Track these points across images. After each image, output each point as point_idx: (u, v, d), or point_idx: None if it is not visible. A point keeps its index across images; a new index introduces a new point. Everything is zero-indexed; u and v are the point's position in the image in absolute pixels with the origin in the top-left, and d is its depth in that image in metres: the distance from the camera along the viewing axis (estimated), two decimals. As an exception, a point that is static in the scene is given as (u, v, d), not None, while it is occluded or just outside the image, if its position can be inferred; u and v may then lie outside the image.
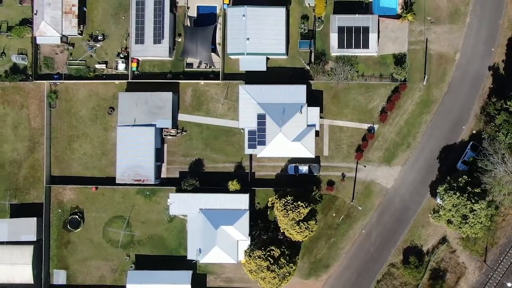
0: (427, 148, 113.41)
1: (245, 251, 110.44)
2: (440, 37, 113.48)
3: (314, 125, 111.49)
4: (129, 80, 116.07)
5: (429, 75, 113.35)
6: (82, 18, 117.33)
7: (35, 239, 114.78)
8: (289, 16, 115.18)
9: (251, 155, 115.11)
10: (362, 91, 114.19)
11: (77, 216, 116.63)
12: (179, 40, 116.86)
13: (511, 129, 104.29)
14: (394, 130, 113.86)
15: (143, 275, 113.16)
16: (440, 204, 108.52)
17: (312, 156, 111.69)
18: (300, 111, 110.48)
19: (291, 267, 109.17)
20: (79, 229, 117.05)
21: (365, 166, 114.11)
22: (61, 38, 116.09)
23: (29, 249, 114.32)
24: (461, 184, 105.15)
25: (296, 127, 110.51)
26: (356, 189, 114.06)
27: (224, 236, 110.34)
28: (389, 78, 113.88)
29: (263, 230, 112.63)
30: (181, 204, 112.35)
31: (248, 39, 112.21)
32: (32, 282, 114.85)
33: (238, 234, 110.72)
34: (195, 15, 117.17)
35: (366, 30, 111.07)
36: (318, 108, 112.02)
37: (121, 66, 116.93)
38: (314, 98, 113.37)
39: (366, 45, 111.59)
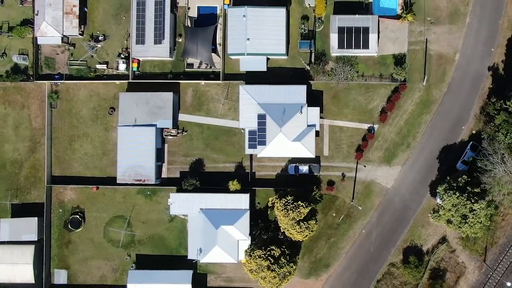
0: (427, 148, 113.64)
1: (246, 251, 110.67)
2: (440, 38, 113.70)
3: (314, 125, 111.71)
4: (130, 80, 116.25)
5: (429, 76, 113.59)
6: (83, 19, 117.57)
7: (36, 239, 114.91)
8: (289, 17, 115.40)
9: (251, 155, 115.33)
10: (362, 91, 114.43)
11: (78, 216, 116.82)
12: (180, 40, 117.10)
13: (511, 129, 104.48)
14: (394, 130, 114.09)
15: (143, 274, 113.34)
16: (440, 204, 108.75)
17: (312, 156, 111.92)
18: (300, 111, 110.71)
19: (292, 267, 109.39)
20: (80, 229, 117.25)
21: (365, 166, 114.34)
22: (62, 38, 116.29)
23: (30, 249, 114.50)
24: (460, 184, 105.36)
25: (296, 127, 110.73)
26: (356, 189, 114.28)
27: (224, 236, 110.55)
28: (389, 78, 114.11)
29: (263, 230, 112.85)
30: (182, 204, 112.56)
31: (248, 39, 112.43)
32: (33, 282, 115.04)
33: (239, 234, 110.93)
34: (196, 16, 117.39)
35: (366, 30, 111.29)
36: (318, 108, 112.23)
37: (122, 67, 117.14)
38: (314, 98, 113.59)
39: (366, 46, 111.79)
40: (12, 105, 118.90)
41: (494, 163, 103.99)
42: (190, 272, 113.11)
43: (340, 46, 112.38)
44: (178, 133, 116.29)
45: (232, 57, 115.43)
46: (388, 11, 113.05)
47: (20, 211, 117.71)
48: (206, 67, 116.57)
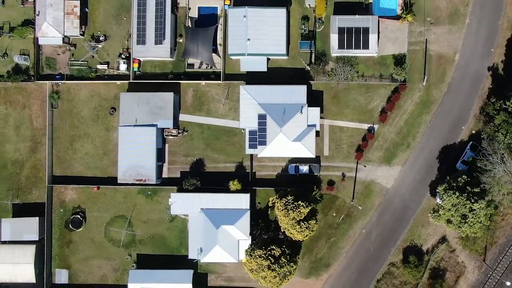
0: (426, 148, 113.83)
1: (246, 251, 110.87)
2: (440, 38, 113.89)
3: (314, 125, 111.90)
4: (131, 81, 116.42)
5: (428, 76, 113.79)
6: (84, 19, 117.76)
7: (37, 239, 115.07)
8: (289, 17, 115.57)
9: (251, 155, 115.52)
10: (362, 91, 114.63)
11: (79, 216, 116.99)
12: (180, 40, 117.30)
13: (510, 129, 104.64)
14: (394, 130, 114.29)
15: (144, 274, 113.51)
16: (439, 204, 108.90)
17: (313, 156, 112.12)
18: (301, 111, 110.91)
19: (292, 267, 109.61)
20: (81, 229, 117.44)
21: (365, 166, 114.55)
22: (63, 38, 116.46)
23: (31, 249, 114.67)
24: (460, 184, 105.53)
25: (297, 127, 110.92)
26: (356, 189, 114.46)
27: (225, 236, 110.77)
28: (389, 79, 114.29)
29: (264, 230, 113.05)
30: (182, 203, 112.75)
31: (249, 39, 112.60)
32: (34, 281, 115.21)
33: (239, 234, 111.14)
34: (196, 16, 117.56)
35: (366, 31, 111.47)
36: (318, 109, 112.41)
37: (123, 67, 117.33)
38: (314, 99, 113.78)
39: (366, 46, 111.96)
40: (13, 105, 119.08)
41: (494, 163, 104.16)
42: (191, 271, 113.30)
43: (340, 46, 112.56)
44: (178, 133, 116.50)
45: (233, 57, 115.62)
46: (388, 11, 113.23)
47: (21, 211, 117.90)
48: (206, 67, 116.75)
